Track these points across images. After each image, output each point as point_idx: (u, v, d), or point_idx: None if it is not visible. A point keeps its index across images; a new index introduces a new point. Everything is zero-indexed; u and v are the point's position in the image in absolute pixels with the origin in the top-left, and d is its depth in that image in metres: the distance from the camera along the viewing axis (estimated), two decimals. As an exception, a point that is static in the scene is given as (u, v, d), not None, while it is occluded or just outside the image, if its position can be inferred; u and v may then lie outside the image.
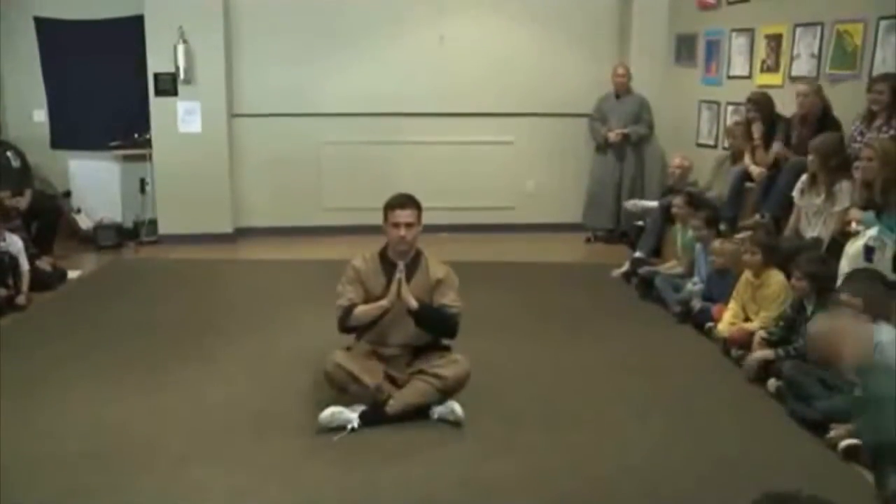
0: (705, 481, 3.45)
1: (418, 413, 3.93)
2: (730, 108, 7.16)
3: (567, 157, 8.37)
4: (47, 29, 7.92)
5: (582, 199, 8.25)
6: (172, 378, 4.51)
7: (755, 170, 6.10)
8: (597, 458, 3.65)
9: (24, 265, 6.03)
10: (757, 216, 5.81)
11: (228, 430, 3.89)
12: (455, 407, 3.93)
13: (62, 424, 3.93)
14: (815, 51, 6.04)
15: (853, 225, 4.75)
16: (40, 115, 8.09)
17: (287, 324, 5.45)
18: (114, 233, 7.83)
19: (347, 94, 8.02)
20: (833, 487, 3.35)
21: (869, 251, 4.37)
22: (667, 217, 6.59)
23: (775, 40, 6.50)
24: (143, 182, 8.00)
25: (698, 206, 6.03)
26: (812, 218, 5.25)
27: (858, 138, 5.23)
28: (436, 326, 4.02)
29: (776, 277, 4.86)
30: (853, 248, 4.50)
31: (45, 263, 6.47)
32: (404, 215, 3.96)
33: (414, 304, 3.88)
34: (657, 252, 6.76)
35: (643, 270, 6.25)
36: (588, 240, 8.17)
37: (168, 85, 7.70)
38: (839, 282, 4.33)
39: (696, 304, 5.48)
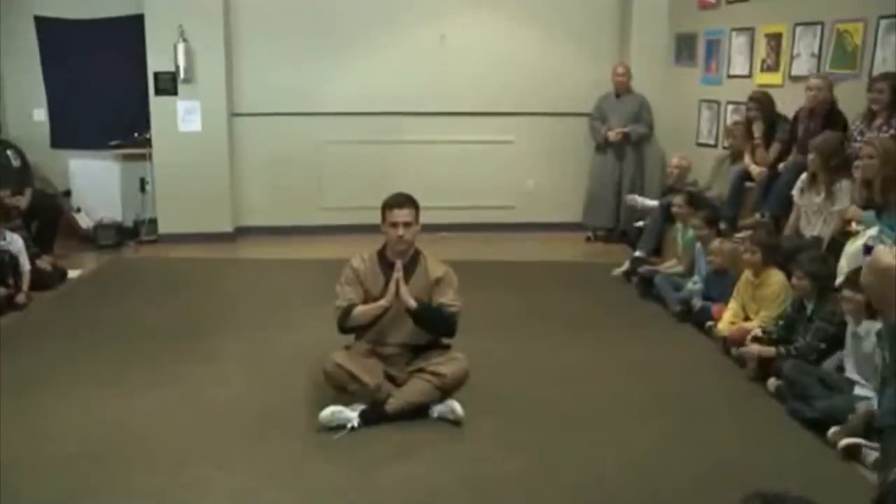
0: (705, 481, 3.45)
1: (418, 412, 3.93)
2: (730, 107, 7.16)
3: (567, 156, 8.37)
4: (47, 28, 7.92)
5: (582, 198, 8.26)
6: (172, 377, 4.51)
7: (755, 169, 6.10)
8: (596, 457, 3.65)
9: (25, 264, 6.03)
10: (757, 215, 5.82)
11: (228, 429, 3.89)
12: (455, 406, 3.93)
13: (62, 424, 3.93)
14: (816, 50, 6.04)
15: (853, 224, 4.76)
16: (40, 115, 8.09)
17: (287, 323, 5.46)
18: (114, 232, 7.83)
19: (347, 94, 8.02)
20: (833, 487, 3.37)
21: (868, 251, 4.36)
22: (667, 216, 6.60)
23: (775, 40, 6.50)
24: (143, 181, 8.00)
25: (698, 206, 6.04)
26: (812, 217, 5.25)
27: (858, 138, 5.23)
28: (435, 325, 4.02)
29: (776, 277, 4.86)
30: (853, 247, 4.51)
31: (45, 263, 6.47)
32: (402, 215, 3.95)
33: (412, 303, 3.88)
34: (657, 251, 6.76)
35: (643, 269, 6.25)
36: (588, 239, 8.17)
37: (168, 84, 7.70)
38: (839, 280, 4.33)
39: (697, 303, 5.49)
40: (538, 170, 8.41)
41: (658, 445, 3.77)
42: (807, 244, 5.03)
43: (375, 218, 4.10)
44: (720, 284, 5.40)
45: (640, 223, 7.12)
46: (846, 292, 4.00)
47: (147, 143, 7.85)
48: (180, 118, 7.77)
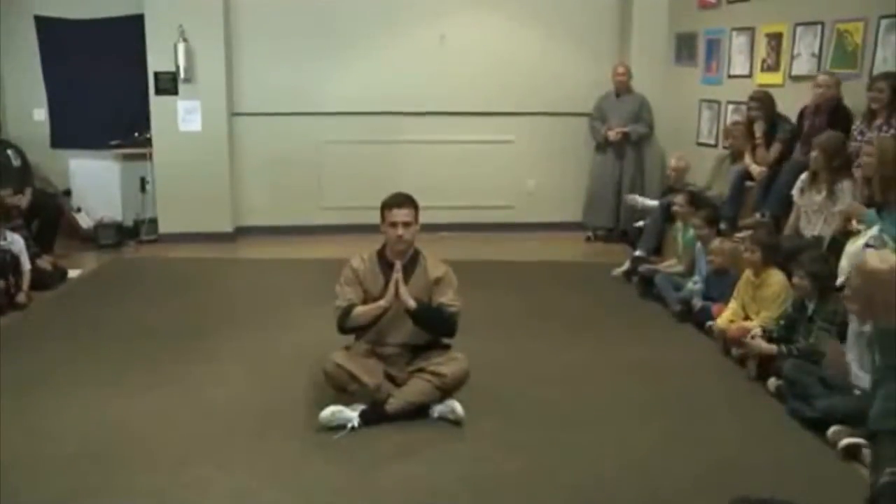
0: (705, 481, 3.44)
1: (418, 412, 3.93)
2: (730, 107, 7.16)
3: (567, 156, 8.37)
4: (47, 28, 7.92)
5: (582, 198, 8.26)
6: (172, 377, 4.51)
7: (755, 169, 6.10)
8: (597, 457, 3.65)
9: (26, 264, 6.03)
10: (757, 215, 5.82)
11: (228, 429, 3.89)
12: (455, 406, 3.93)
13: (62, 424, 3.92)
14: (816, 50, 6.03)
15: (853, 223, 4.76)
16: (40, 114, 8.09)
17: (287, 323, 5.45)
18: (114, 232, 7.83)
19: (348, 93, 8.02)
20: (833, 487, 3.37)
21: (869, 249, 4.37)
22: (667, 216, 6.60)
23: (776, 39, 6.50)
24: (143, 181, 8.00)
25: (699, 205, 6.04)
26: (812, 216, 5.25)
27: (859, 137, 5.23)
28: (434, 325, 4.01)
29: (776, 277, 4.86)
30: (853, 246, 4.51)
31: (45, 262, 6.47)
32: (401, 214, 3.95)
33: (412, 303, 3.87)
34: (657, 251, 6.76)
35: (643, 268, 6.25)
36: (588, 239, 8.17)
37: (168, 84, 7.70)
38: (840, 280, 4.33)
39: (697, 303, 5.48)
40: (538, 169, 8.40)
41: (658, 445, 3.76)
42: (807, 244, 5.03)
43: (375, 218, 4.10)
44: (720, 284, 5.40)
45: (640, 223, 7.12)
46: (848, 292, 3.99)
47: (147, 142, 7.85)
48: (180, 118, 7.78)
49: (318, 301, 4.80)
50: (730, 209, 6.23)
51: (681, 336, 5.32)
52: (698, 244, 5.82)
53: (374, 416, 3.87)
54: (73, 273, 6.73)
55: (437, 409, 3.95)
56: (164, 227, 7.95)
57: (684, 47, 7.94)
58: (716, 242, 5.54)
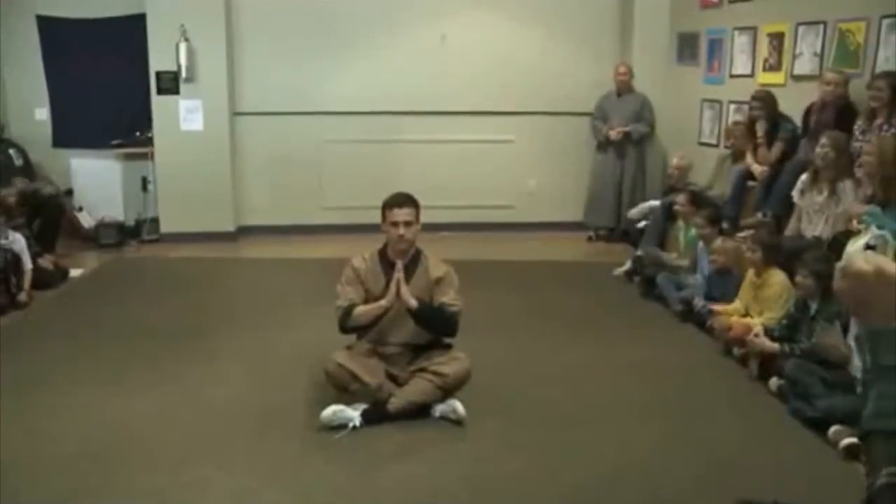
0: (705, 481, 3.44)
1: (420, 411, 3.93)
2: (732, 106, 7.15)
3: (568, 155, 8.36)
4: (49, 27, 7.93)
5: (583, 197, 8.25)
6: (173, 377, 4.50)
7: (757, 168, 6.09)
8: (597, 457, 3.64)
9: (27, 263, 6.03)
10: (759, 215, 5.81)
11: (229, 429, 3.89)
12: (456, 405, 3.92)
13: (62, 424, 3.92)
14: (818, 49, 6.02)
15: (854, 222, 4.74)
16: (42, 114, 8.11)
17: (288, 322, 5.45)
18: (115, 231, 7.83)
19: (349, 93, 8.02)
20: (834, 487, 3.36)
21: (870, 250, 4.36)
22: (668, 215, 6.59)
23: (777, 39, 6.49)
24: (144, 180, 8.00)
25: (700, 205, 6.03)
26: (813, 216, 5.24)
27: (860, 137, 5.22)
28: (435, 325, 4.01)
29: (777, 277, 4.85)
30: (854, 246, 4.49)
31: (46, 262, 6.47)
32: (402, 214, 3.95)
33: (413, 303, 3.87)
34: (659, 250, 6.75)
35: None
36: (589, 238, 8.16)
37: (170, 83, 7.70)
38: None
39: (698, 302, 5.47)
40: (539, 169, 8.40)
41: (659, 445, 3.76)
42: (809, 244, 5.02)
43: (376, 217, 4.10)
44: (723, 284, 5.39)
45: (642, 223, 7.11)
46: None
47: (149, 142, 7.85)
48: (182, 117, 7.78)
49: (319, 301, 4.80)
50: (731, 209, 6.22)
51: (682, 336, 5.32)
52: (700, 243, 5.81)
53: (376, 415, 3.87)
54: (74, 272, 6.73)
55: (439, 409, 3.95)
56: (165, 227, 7.95)
57: (686, 47, 7.93)
58: (719, 242, 5.53)
